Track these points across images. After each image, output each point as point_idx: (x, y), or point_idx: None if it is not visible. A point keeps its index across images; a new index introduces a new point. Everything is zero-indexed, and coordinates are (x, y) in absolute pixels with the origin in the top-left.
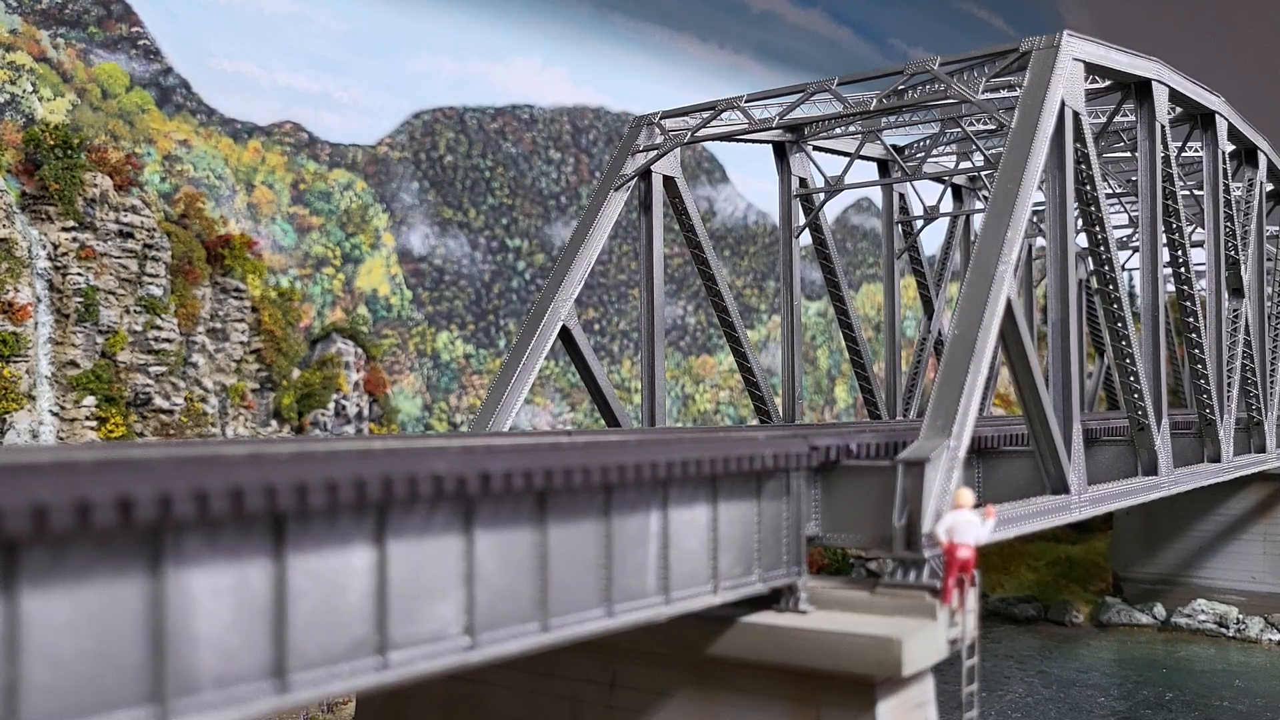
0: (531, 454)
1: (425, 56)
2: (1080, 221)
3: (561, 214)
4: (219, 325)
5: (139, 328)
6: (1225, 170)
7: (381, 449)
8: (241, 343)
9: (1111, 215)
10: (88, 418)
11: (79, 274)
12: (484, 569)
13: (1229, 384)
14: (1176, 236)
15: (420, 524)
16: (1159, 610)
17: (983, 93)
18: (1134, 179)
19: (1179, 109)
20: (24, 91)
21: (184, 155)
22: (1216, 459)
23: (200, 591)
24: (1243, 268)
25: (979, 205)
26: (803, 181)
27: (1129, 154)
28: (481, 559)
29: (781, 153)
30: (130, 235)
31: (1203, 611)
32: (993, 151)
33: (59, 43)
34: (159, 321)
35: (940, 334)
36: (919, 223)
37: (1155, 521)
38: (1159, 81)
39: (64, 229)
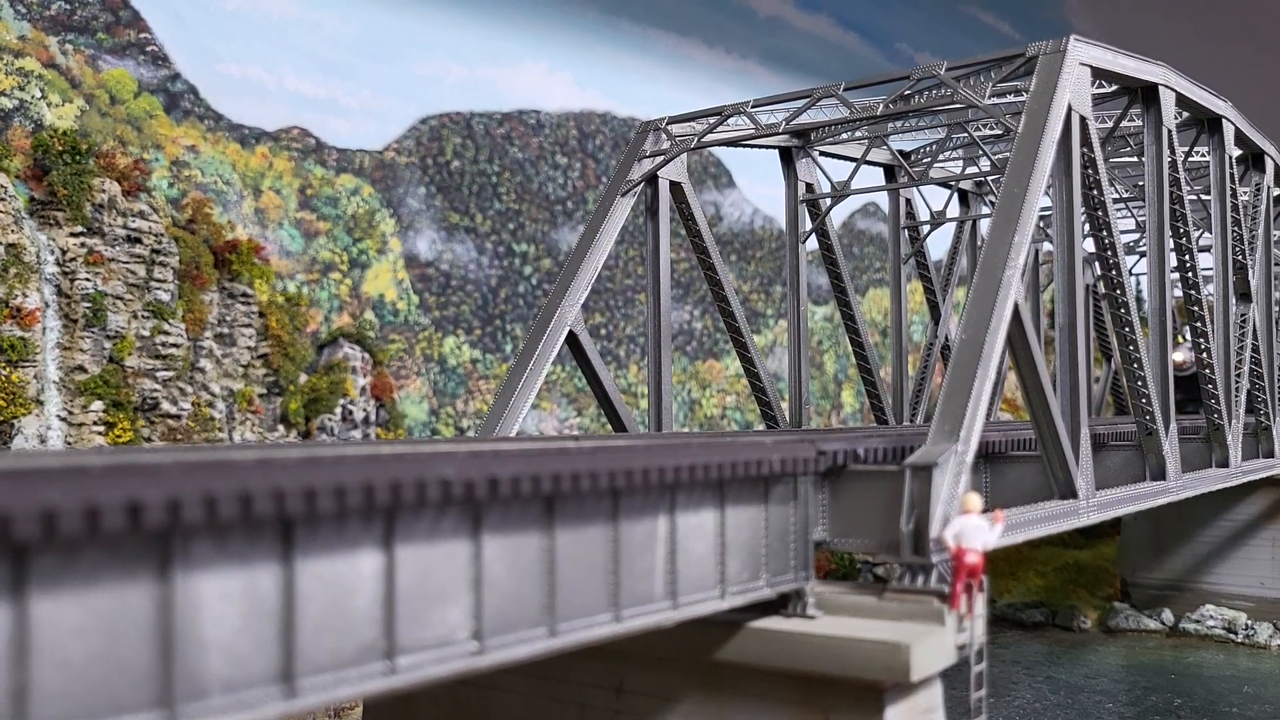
0: (539, 459)
1: (432, 61)
2: (1087, 226)
3: (568, 219)
4: (226, 330)
5: (146, 333)
6: (1232, 175)
7: (389, 454)
8: (249, 347)
9: (1118, 220)
10: (95, 422)
11: (87, 279)
12: (492, 573)
13: (1237, 389)
14: (1184, 241)
15: (428, 529)
16: (1167, 616)
17: (989, 97)
18: (1141, 184)
19: (1186, 114)
20: (32, 97)
21: (192, 161)
22: (1225, 464)
23: (209, 596)
24: (1250, 272)
25: (986, 210)
26: (809, 186)
27: (1136, 159)
28: (489, 564)
29: (788, 158)
30: (138, 240)
31: (1211, 617)
32: (999, 156)
33: (67, 48)
34: (166, 326)
35: (947, 339)
36: (925, 227)
37: (1163, 527)
38: (1166, 86)
39: (72, 234)
